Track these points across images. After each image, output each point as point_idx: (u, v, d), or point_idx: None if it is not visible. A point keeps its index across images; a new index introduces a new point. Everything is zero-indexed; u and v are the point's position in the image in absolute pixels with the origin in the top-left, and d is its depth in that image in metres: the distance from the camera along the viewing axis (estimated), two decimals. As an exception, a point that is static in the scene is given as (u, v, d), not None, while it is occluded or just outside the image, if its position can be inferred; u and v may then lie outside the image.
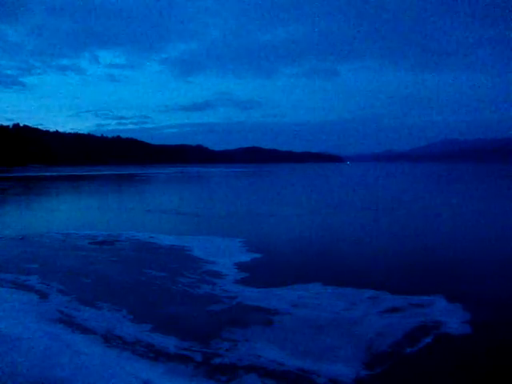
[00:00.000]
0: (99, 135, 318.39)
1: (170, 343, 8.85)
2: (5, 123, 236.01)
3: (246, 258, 16.29)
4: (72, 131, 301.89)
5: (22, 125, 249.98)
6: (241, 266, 15.02)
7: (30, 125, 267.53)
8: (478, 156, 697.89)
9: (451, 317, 10.19)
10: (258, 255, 16.69)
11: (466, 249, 18.20)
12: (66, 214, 31.57)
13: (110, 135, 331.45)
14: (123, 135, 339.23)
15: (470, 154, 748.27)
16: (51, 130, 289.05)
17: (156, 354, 8.38)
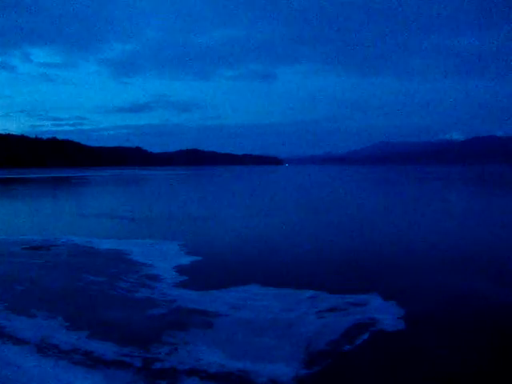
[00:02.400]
0: (33, 136, 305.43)
1: (108, 349, 8.67)
2: None
3: (185, 260, 16.19)
4: (3, 132, 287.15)
5: None
6: (180, 269, 14.92)
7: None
8: (412, 158, 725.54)
9: (386, 314, 10.55)
10: (197, 258, 16.63)
11: (399, 247, 18.87)
12: (-4, 219, 30.18)
13: (44, 136, 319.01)
14: (59, 137, 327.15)
15: (404, 156, 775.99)
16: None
17: (94, 362, 8.18)
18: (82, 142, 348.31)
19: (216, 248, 19.01)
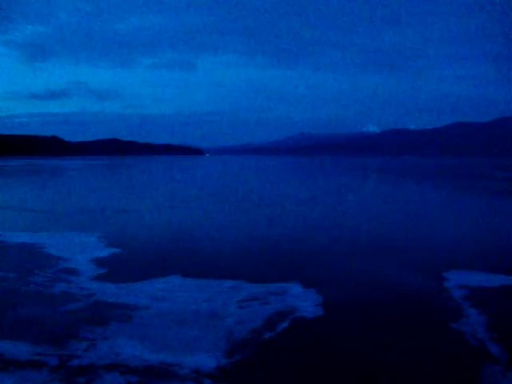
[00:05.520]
0: None
1: (21, 349, 8.25)
2: None
3: (103, 253, 15.75)
4: None
5: None
6: (98, 262, 14.50)
7: None
8: (331, 149, 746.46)
9: (305, 301, 10.84)
10: (115, 250, 16.23)
11: (318, 236, 19.39)
12: None
13: None
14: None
15: (324, 147, 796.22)
16: None
17: (5, 364, 7.74)
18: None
19: (135, 240, 18.63)
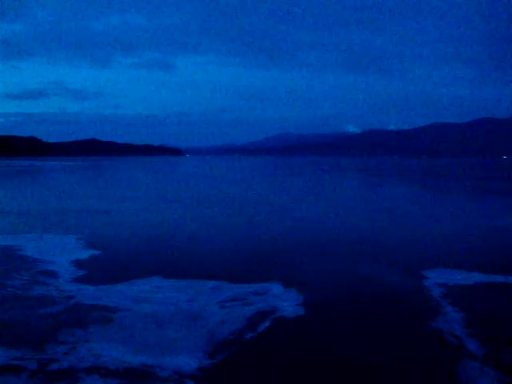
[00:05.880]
0: None
1: (-2, 353, 8.14)
2: None
3: (83, 255, 15.60)
4: None
5: None
6: (78, 264, 14.35)
7: None
8: (312, 149, 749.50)
9: (286, 301, 10.89)
10: (95, 252, 16.09)
11: (299, 236, 19.48)
12: None
13: None
14: None
15: (304, 147, 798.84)
16: None
17: (-18, 367, 7.63)
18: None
19: (115, 241, 18.50)
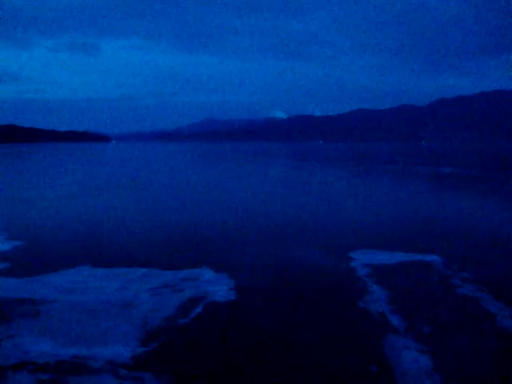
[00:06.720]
0: None
1: None
2: None
3: (4, 246, 14.91)
4: None
5: None
6: None
7: None
8: (239, 134, 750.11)
9: (218, 286, 10.99)
10: (18, 243, 15.41)
11: (228, 220, 19.55)
12: None
13: None
14: None
15: (231, 132, 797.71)
16: None
17: None
18: None
19: (40, 231, 17.80)
